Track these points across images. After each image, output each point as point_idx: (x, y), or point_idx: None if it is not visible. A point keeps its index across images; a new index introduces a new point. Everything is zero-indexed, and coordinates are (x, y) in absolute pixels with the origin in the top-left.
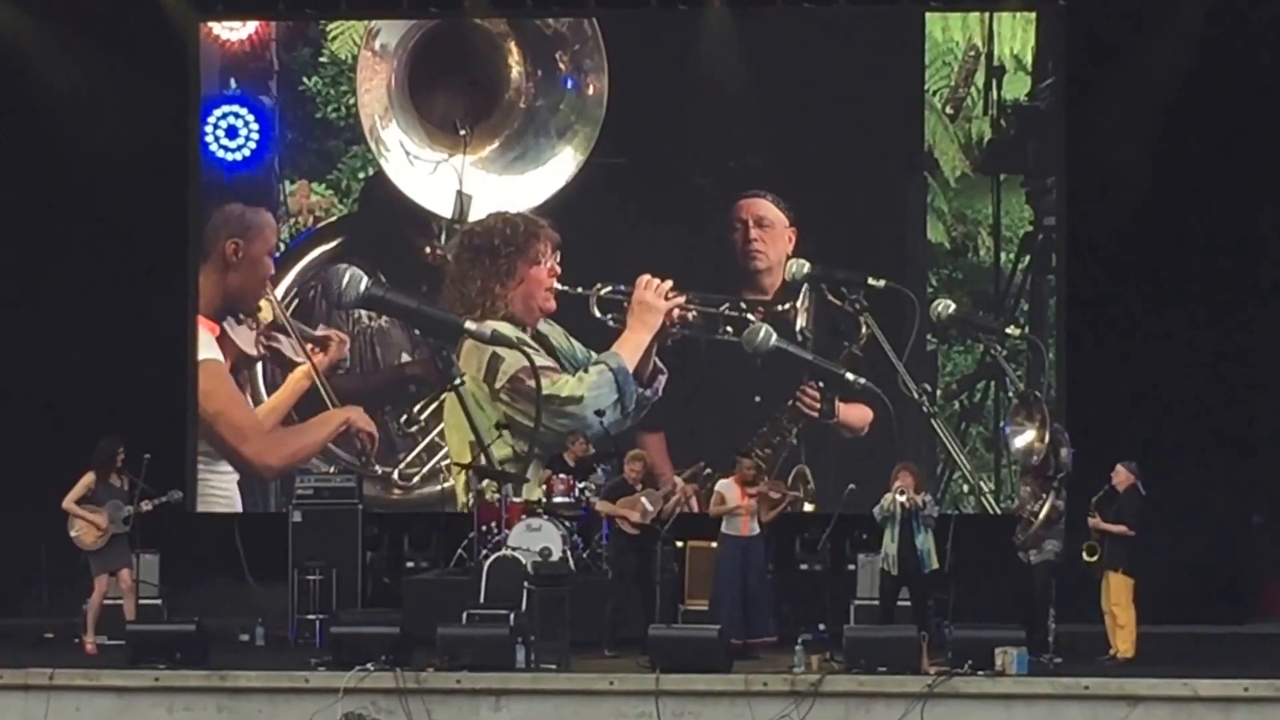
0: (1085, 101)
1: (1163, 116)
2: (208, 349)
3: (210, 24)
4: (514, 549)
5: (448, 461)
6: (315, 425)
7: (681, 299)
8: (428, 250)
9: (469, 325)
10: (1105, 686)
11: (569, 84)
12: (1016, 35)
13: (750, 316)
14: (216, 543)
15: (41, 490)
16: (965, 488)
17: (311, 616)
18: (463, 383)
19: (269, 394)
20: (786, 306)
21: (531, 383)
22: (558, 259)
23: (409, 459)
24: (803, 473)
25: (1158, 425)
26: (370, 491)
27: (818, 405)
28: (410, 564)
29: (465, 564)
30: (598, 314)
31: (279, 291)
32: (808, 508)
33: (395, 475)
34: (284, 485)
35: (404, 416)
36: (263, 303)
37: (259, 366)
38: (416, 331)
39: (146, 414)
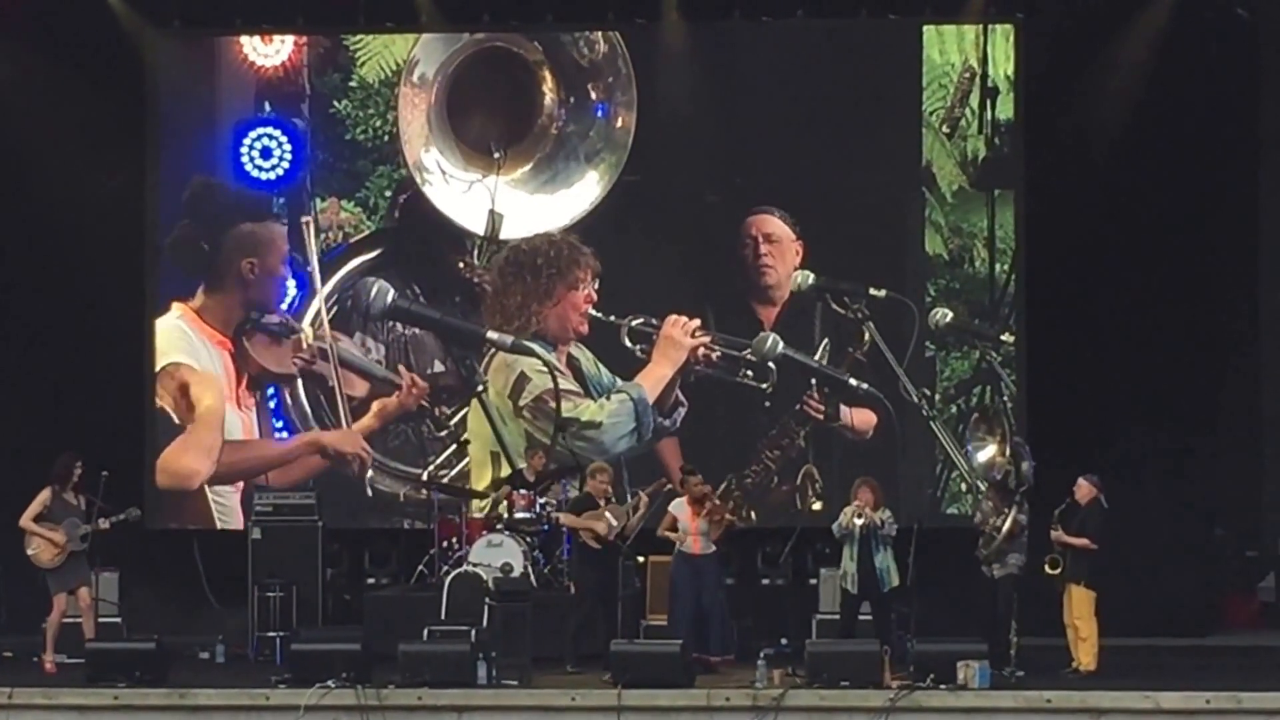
0: (1048, 113)
1: (1122, 127)
2: (213, 363)
3: (244, 49)
4: (475, 565)
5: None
6: (268, 442)
7: (707, 338)
8: (461, 265)
9: (490, 335)
10: (1068, 699)
11: (600, 112)
12: (1009, 57)
13: (771, 365)
14: (176, 560)
15: None
16: (963, 487)
17: (272, 634)
18: (485, 389)
19: (313, 411)
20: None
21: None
22: (596, 286)
23: (439, 461)
24: (810, 472)
25: (1120, 438)
26: (401, 491)
27: (823, 409)
28: (371, 580)
29: (426, 580)
30: (628, 344)
31: (314, 306)
32: (816, 506)
33: (424, 477)
34: None
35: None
36: (307, 327)
37: (300, 384)
38: None
39: (107, 431)
